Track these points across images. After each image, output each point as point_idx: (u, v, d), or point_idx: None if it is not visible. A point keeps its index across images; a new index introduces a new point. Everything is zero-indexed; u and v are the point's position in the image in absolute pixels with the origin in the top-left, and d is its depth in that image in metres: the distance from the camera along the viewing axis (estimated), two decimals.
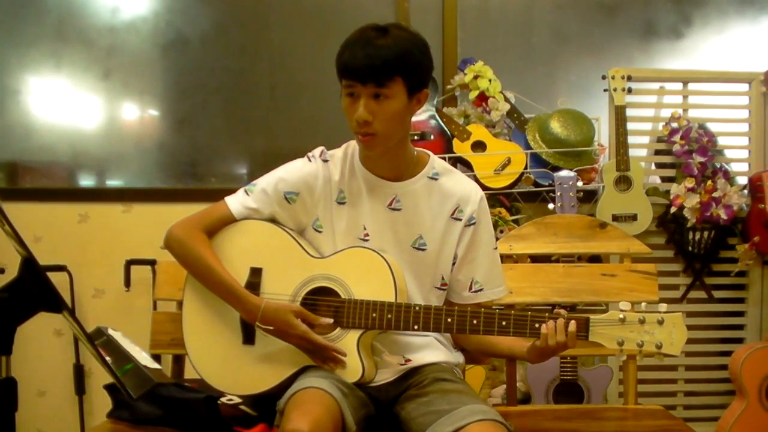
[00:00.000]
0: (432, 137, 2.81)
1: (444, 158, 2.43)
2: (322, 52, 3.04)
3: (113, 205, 3.07)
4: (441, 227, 1.70)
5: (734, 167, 3.04)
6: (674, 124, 2.97)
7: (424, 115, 2.82)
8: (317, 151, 1.75)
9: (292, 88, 3.23)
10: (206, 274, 1.68)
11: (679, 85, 3.07)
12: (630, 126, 2.89)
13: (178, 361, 2.01)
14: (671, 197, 2.91)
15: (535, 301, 2.05)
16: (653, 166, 3.07)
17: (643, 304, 1.53)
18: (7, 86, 3.17)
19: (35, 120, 3.19)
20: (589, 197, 2.93)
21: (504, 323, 1.55)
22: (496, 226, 2.69)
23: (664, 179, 3.03)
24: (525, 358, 1.64)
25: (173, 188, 3.18)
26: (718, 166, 2.96)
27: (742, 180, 3.03)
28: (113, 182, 3.26)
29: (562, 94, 3.06)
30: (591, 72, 3.12)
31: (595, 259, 2.66)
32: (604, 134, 2.99)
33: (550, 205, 2.73)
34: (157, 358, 1.94)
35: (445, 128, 2.83)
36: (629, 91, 2.89)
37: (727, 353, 2.82)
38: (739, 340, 3.02)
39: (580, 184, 2.77)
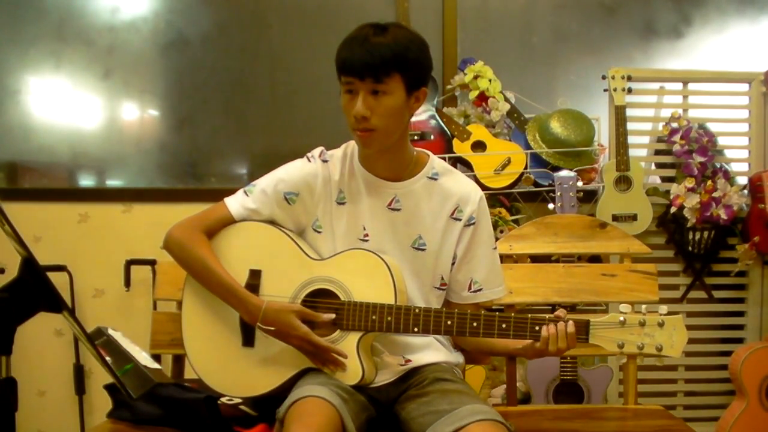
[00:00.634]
0: (432, 137, 2.81)
1: (444, 158, 2.43)
2: (322, 52, 3.04)
3: (113, 205, 3.07)
4: (440, 227, 1.70)
5: (734, 167, 3.04)
6: (674, 124, 2.97)
7: (424, 115, 2.82)
8: (316, 151, 1.75)
9: (292, 88, 3.23)
10: (206, 275, 1.68)
11: (679, 85, 3.07)
12: (630, 126, 2.89)
13: (178, 361, 2.00)
14: (671, 197, 2.91)
15: (535, 301, 2.05)
16: (653, 166, 3.07)
17: (644, 306, 1.52)
18: (7, 86, 3.17)
19: (35, 120, 3.19)
20: (589, 197, 2.93)
21: (504, 326, 1.55)
22: (496, 226, 2.69)
23: (664, 179, 3.03)
24: (522, 355, 1.64)
25: (173, 188, 3.18)
26: (718, 166, 2.96)
27: (742, 180, 3.03)
28: (113, 182, 3.26)
29: (562, 94, 3.06)
30: (591, 72, 3.12)
31: (595, 259, 2.66)
32: (604, 134, 2.99)
33: (550, 205, 2.73)
34: (157, 358, 1.94)
35: (445, 128, 2.83)
36: (629, 91, 2.89)
37: (727, 353, 2.82)
38: (739, 340, 3.02)
39: (580, 184, 2.77)
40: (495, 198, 2.81)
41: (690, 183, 2.88)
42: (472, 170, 2.79)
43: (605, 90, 2.92)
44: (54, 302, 1.11)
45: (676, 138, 2.94)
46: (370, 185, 1.70)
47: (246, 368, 1.67)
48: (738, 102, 3.07)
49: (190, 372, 1.78)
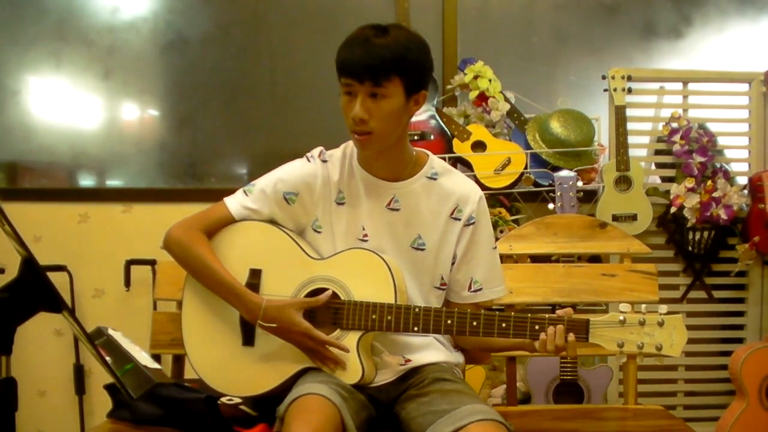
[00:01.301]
0: (432, 137, 2.81)
1: (444, 158, 2.43)
2: (322, 53, 3.04)
3: (113, 205, 3.07)
4: (440, 227, 1.70)
5: (734, 167, 3.03)
6: (674, 124, 2.97)
7: (424, 115, 2.82)
8: (316, 151, 1.75)
9: (292, 88, 3.23)
10: (206, 275, 1.68)
11: (679, 85, 3.07)
12: (630, 126, 2.89)
13: (178, 361, 2.00)
14: (671, 197, 2.91)
15: (536, 301, 2.05)
16: (653, 166, 3.07)
17: (643, 305, 1.53)
18: (7, 86, 3.17)
19: (35, 120, 3.19)
20: (589, 197, 2.93)
21: (504, 325, 1.55)
22: (496, 226, 2.69)
23: (664, 179, 3.03)
24: (522, 349, 1.63)
25: (173, 188, 3.18)
26: (718, 166, 2.96)
27: (742, 180, 3.03)
28: (113, 182, 3.26)
29: (562, 94, 3.06)
30: (591, 72, 3.12)
31: (595, 259, 2.66)
32: (604, 134, 2.99)
33: (550, 205, 2.73)
34: (157, 358, 1.94)
35: (445, 128, 2.83)
36: (629, 91, 2.89)
37: (727, 353, 2.82)
38: (739, 340, 3.02)
39: (580, 184, 2.77)
40: (495, 198, 2.81)
41: (690, 183, 2.88)
42: (472, 170, 2.79)
43: (605, 90, 2.92)
44: (54, 302, 1.11)
45: (676, 138, 2.93)
46: (368, 185, 1.70)
47: (246, 367, 1.67)
48: (738, 102, 3.07)
49: (190, 372, 1.78)
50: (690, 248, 2.97)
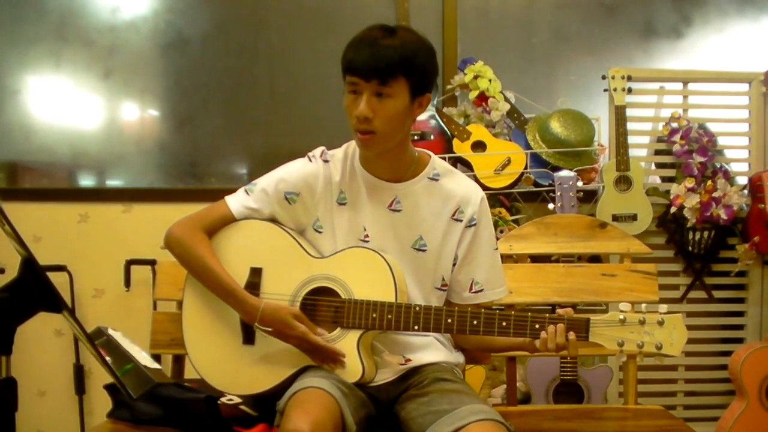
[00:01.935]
0: (432, 137, 2.81)
1: (444, 158, 2.43)
2: (322, 52, 3.04)
3: (113, 205, 3.07)
4: (441, 228, 1.70)
5: (734, 167, 3.03)
6: (674, 124, 2.97)
7: (424, 115, 2.82)
8: (318, 151, 1.75)
9: (292, 88, 3.23)
10: (205, 275, 1.68)
11: (679, 85, 3.07)
12: (630, 126, 2.89)
13: (178, 361, 2.01)
14: (671, 197, 2.91)
15: (536, 301, 2.05)
16: (653, 166, 3.07)
17: (644, 305, 1.52)
18: (7, 86, 3.17)
19: (35, 120, 3.19)
20: (589, 197, 2.93)
21: (504, 324, 1.55)
22: (496, 226, 2.69)
23: (664, 179, 3.03)
24: (523, 348, 1.63)
25: (173, 188, 3.18)
26: (718, 166, 2.95)
27: (742, 180, 3.02)
28: (113, 182, 3.26)
29: (562, 94, 3.06)
30: (591, 72, 3.12)
31: (595, 259, 2.66)
32: (604, 134, 2.99)
33: (550, 205, 2.73)
34: (157, 358, 1.94)
35: (445, 128, 2.83)
36: (629, 91, 2.89)
37: (727, 353, 2.82)
38: (739, 340, 3.02)
39: (580, 184, 2.77)
40: (495, 198, 2.81)
41: (690, 183, 2.88)
42: (472, 170, 2.79)
43: (605, 90, 2.92)
44: (54, 302, 1.11)
45: (676, 138, 2.93)
46: (370, 186, 1.70)
47: (246, 366, 1.67)
48: (738, 102, 3.07)
49: (190, 372, 1.78)
50: (690, 248, 2.97)
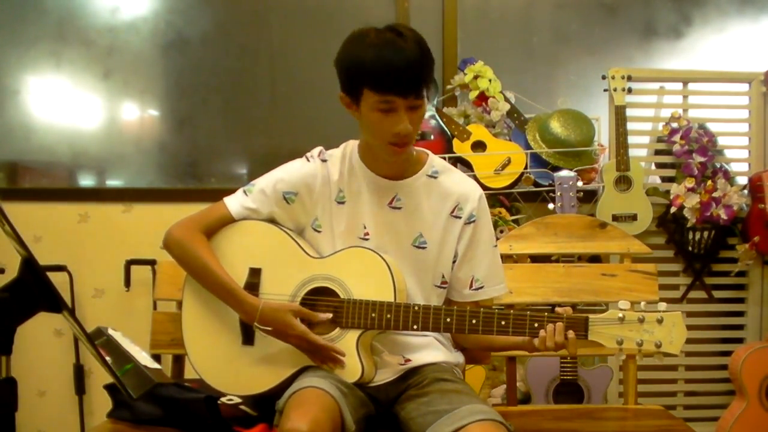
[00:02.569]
0: (432, 137, 2.81)
1: (444, 158, 2.42)
2: (322, 52, 3.02)
3: (113, 205, 3.07)
4: (441, 225, 1.71)
5: (734, 167, 3.03)
6: (674, 124, 2.97)
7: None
8: (315, 151, 1.75)
9: (292, 88, 3.23)
10: (205, 275, 1.68)
11: (679, 85, 3.07)
12: (630, 126, 2.89)
13: (178, 361, 2.01)
14: (671, 197, 2.91)
15: (535, 301, 2.05)
16: (653, 166, 3.07)
17: (643, 303, 1.52)
18: (7, 86, 3.17)
19: (35, 120, 3.19)
20: (589, 197, 2.93)
21: (503, 323, 1.55)
22: (496, 226, 2.69)
23: (664, 179, 3.03)
24: (522, 347, 1.63)
25: (173, 188, 3.18)
26: (718, 166, 2.95)
27: (742, 180, 3.02)
28: (113, 182, 3.26)
29: (562, 94, 3.06)
30: (591, 72, 3.12)
31: (595, 259, 2.66)
32: (604, 134, 2.99)
33: (550, 205, 2.73)
34: (157, 358, 1.94)
35: (445, 128, 2.83)
36: (629, 91, 2.89)
37: (727, 353, 2.82)
38: (739, 340, 3.02)
39: (580, 184, 2.77)
40: (495, 198, 2.81)
41: (690, 183, 2.88)
42: (472, 170, 2.79)
43: (605, 90, 2.92)
44: (54, 302, 1.11)
45: (676, 138, 2.93)
46: (371, 184, 1.70)
47: (246, 367, 1.67)
48: (738, 102, 3.07)
49: (190, 372, 1.78)
50: (690, 248, 2.97)
